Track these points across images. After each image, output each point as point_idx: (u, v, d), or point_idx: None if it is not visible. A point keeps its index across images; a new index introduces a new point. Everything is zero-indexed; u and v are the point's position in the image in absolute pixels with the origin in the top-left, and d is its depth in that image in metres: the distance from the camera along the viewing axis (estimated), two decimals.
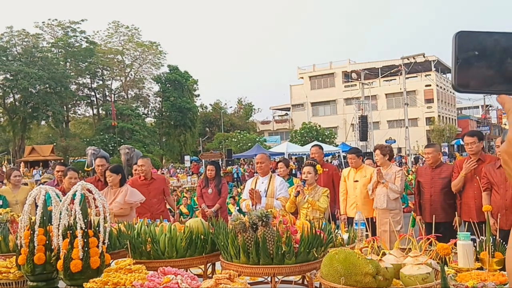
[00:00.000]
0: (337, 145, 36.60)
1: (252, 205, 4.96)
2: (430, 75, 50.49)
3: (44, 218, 2.58)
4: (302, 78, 59.12)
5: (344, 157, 28.12)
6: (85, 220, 2.40)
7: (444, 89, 55.90)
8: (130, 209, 5.28)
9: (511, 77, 0.60)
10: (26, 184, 10.11)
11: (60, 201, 2.57)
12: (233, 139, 43.49)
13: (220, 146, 43.82)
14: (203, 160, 30.10)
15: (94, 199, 2.53)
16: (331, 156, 32.48)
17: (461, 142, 42.97)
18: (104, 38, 48.46)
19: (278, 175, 5.95)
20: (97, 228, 2.46)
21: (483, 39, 0.61)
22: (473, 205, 4.82)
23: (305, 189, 4.84)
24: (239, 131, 47.02)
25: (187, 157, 35.56)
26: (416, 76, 49.87)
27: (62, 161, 28.13)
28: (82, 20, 44.82)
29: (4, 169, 24.21)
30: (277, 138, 52.60)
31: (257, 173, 5.57)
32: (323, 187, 5.92)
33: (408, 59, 31.29)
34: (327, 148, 28.05)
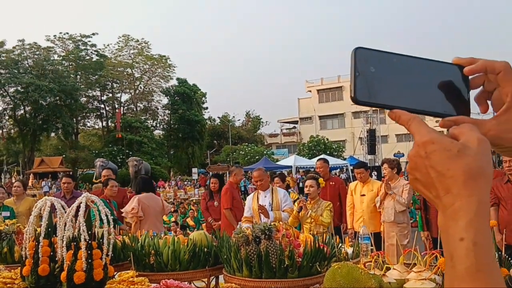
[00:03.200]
0: (345, 159, 36.47)
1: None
2: None
3: (49, 229, 2.60)
4: (310, 91, 59.24)
5: (352, 171, 28.01)
6: (89, 232, 2.41)
7: None
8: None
9: (404, 95, 0.66)
10: (34, 195, 10.20)
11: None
12: (240, 152, 43.56)
13: (228, 159, 43.87)
14: (210, 173, 30.15)
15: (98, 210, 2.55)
16: (338, 169, 32.36)
17: None
18: (114, 52, 49.08)
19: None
20: (101, 240, 2.47)
21: (380, 57, 0.66)
22: None
23: (307, 203, 4.80)
24: (246, 144, 47.09)
25: (194, 170, 35.59)
26: None
27: (71, 173, 28.33)
28: (93, 34, 45.46)
29: (14, 181, 24.43)
30: (285, 151, 52.57)
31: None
32: (330, 200, 5.91)
33: None
34: (334, 161, 27.98)
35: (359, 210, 6.01)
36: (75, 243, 2.41)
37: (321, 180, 5.13)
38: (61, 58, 45.39)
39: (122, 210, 5.86)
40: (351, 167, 28.81)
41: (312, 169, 27.68)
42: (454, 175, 0.58)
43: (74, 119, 45.82)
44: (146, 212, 5.64)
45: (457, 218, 0.57)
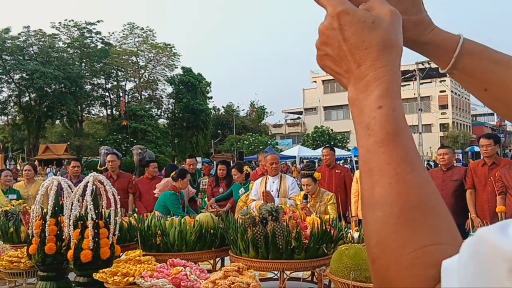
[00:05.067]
0: (349, 150, 36.40)
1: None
2: (444, 80, 50.01)
3: (56, 208, 2.61)
4: (315, 82, 58.99)
5: (356, 162, 27.94)
6: (96, 211, 2.41)
7: (459, 95, 55.31)
8: None
9: None
10: None
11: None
12: (245, 142, 43.53)
13: (232, 149, 43.86)
14: (214, 162, 30.17)
15: (106, 191, 2.54)
16: (343, 160, 32.28)
17: (476, 149, 42.50)
18: (119, 39, 48.90)
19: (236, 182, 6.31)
20: (107, 220, 2.47)
21: None
22: (487, 208, 4.76)
23: (309, 204, 4.72)
24: (251, 133, 47.03)
25: (198, 159, 35.57)
26: (431, 82, 49.45)
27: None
28: (98, 21, 45.24)
29: (19, 167, 24.52)
30: (289, 141, 52.49)
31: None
32: (335, 188, 5.88)
33: (423, 64, 31.07)
34: (339, 152, 27.88)
35: None
36: (82, 222, 2.41)
37: (316, 174, 5.02)
38: (66, 45, 45.27)
39: (154, 192, 6.24)
40: (355, 158, 28.78)
41: (317, 160, 27.46)
42: (368, 46, 0.57)
43: (79, 107, 45.79)
44: None
45: (372, 88, 0.55)
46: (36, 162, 29.48)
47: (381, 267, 0.49)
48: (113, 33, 48.50)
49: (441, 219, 0.49)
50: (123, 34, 48.78)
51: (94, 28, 45.31)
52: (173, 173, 5.90)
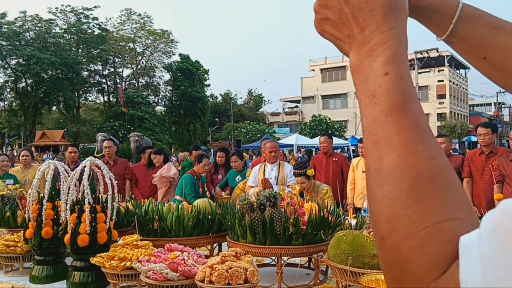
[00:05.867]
0: (346, 139, 36.41)
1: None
2: (443, 70, 49.95)
3: (53, 193, 2.59)
4: (313, 70, 58.77)
5: (353, 151, 27.98)
6: (93, 196, 2.40)
7: (457, 85, 55.25)
8: (168, 183, 6.28)
9: None
10: None
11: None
12: (242, 130, 43.51)
13: (229, 137, 43.84)
14: (212, 150, 30.15)
15: (103, 175, 2.53)
16: (340, 149, 32.32)
17: (473, 139, 42.56)
18: (116, 26, 48.51)
19: (234, 169, 6.38)
20: (105, 204, 2.46)
21: None
22: (484, 197, 4.78)
23: (305, 199, 4.70)
24: (248, 122, 46.98)
25: None
26: (429, 71, 49.35)
27: None
28: (95, 7, 44.81)
29: (15, 153, 24.45)
30: (287, 130, 52.45)
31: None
32: (332, 176, 5.87)
33: (422, 54, 30.95)
34: (336, 141, 27.89)
35: (360, 187, 6.00)
36: (79, 206, 2.39)
37: (310, 171, 4.99)
38: (62, 31, 44.86)
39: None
40: (353, 147, 28.81)
41: (314, 149, 27.40)
42: (373, 8, 0.53)
43: (76, 93, 45.56)
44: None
45: (377, 54, 0.52)
46: (32, 149, 29.41)
47: (391, 246, 0.45)
48: (110, 19, 48.40)
49: (455, 192, 0.46)
50: (120, 20, 48.42)
51: (91, 14, 44.93)
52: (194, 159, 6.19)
